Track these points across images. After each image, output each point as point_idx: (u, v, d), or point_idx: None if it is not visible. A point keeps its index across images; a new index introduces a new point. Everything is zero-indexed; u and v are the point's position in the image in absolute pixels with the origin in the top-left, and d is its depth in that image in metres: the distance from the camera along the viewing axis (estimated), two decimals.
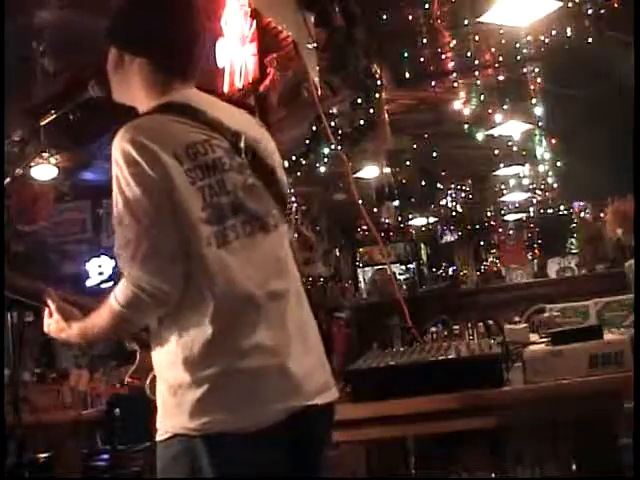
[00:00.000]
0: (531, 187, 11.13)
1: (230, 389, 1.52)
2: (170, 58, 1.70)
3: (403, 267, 12.44)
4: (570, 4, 5.34)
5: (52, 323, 1.74)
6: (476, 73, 6.91)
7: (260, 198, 1.66)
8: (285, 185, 1.78)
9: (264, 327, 1.57)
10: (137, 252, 1.51)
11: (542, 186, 10.75)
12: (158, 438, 1.58)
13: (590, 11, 5.55)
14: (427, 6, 5.52)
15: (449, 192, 12.12)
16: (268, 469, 1.53)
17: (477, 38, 6.08)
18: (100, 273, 8.60)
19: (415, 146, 9.14)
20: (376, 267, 11.20)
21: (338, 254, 11.92)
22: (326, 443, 1.72)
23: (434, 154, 9.72)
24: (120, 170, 1.53)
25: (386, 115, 6.82)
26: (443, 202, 12.29)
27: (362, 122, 6.61)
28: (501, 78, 7.04)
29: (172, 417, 1.55)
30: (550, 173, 9.67)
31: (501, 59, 6.60)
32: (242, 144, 1.67)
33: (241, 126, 1.71)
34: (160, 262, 1.51)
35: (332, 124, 6.22)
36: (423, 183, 10.79)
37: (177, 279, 1.52)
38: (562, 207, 11.03)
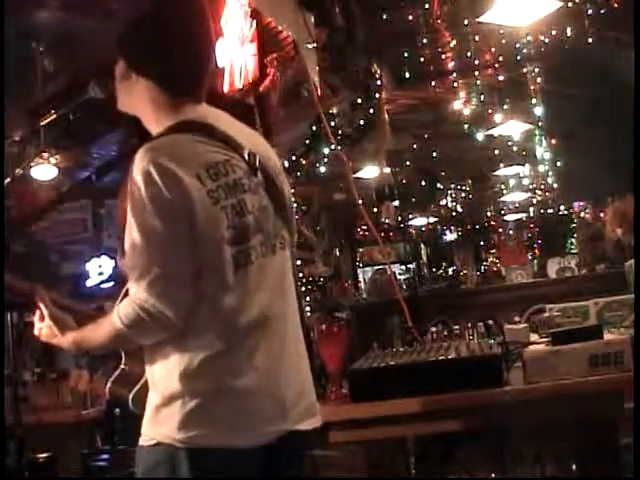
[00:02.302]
0: (531, 187, 11.13)
1: (222, 406, 1.53)
2: (178, 83, 1.67)
3: (403, 267, 12.41)
4: (570, 4, 5.34)
5: (44, 328, 1.73)
6: (476, 73, 6.91)
7: (271, 219, 1.66)
8: (291, 207, 1.78)
9: (264, 349, 1.58)
10: (145, 275, 1.50)
11: (542, 186, 10.75)
12: (142, 442, 1.59)
13: (590, 11, 5.55)
14: (427, 6, 5.52)
15: (449, 192, 12.12)
16: None
17: (477, 38, 6.08)
18: (100, 273, 8.59)
19: (415, 146, 9.14)
20: (376, 267, 11.19)
21: (338, 254, 11.91)
22: (304, 465, 1.73)
23: (434, 154, 9.72)
24: (138, 190, 1.51)
25: (386, 115, 6.82)
26: (443, 202, 12.29)
27: (362, 122, 6.61)
28: (501, 78, 7.03)
29: (159, 425, 1.56)
30: (550, 173, 9.68)
31: (501, 59, 6.59)
32: (257, 164, 1.66)
33: (253, 145, 1.70)
34: (167, 288, 1.51)
35: (332, 124, 6.22)
36: (423, 183, 10.79)
37: (182, 306, 1.52)
38: (562, 207, 11.03)
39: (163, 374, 1.57)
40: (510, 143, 8.89)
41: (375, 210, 9.12)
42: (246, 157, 1.64)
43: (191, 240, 1.51)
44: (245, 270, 1.57)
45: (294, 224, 1.79)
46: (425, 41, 6.04)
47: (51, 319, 1.71)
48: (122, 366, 1.76)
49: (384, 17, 5.60)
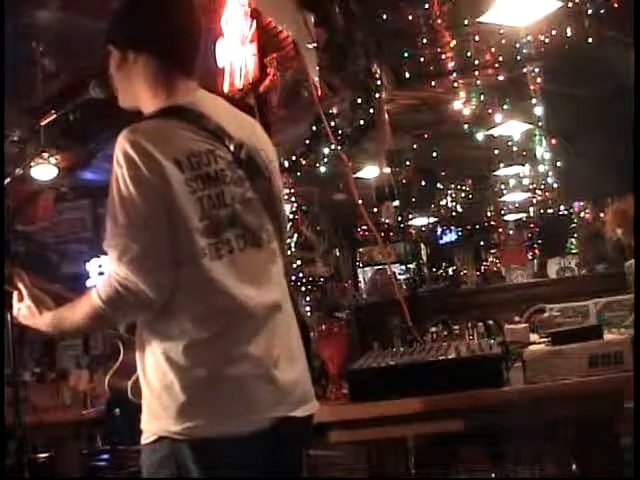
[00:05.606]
0: (531, 187, 11.14)
1: (215, 395, 1.53)
2: (172, 54, 1.70)
3: (403, 267, 12.41)
4: (570, 4, 5.35)
5: (22, 308, 1.73)
6: (476, 73, 6.91)
7: (256, 212, 1.67)
8: (281, 200, 1.79)
9: (252, 337, 1.58)
10: (127, 253, 1.51)
11: (542, 186, 10.75)
12: (144, 441, 1.59)
13: (590, 11, 5.55)
14: (427, 6, 5.52)
15: (449, 192, 12.13)
16: (249, 475, 1.55)
17: (477, 38, 6.08)
18: (100, 273, 8.60)
19: (415, 146, 9.15)
20: (376, 267, 11.18)
21: (338, 254, 11.91)
22: (303, 453, 1.74)
23: (434, 154, 9.73)
24: (120, 169, 1.53)
25: (386, 115, 6.82)
26: (443, 202, 12.30)
27: (362, 122, 6.61)
28: (501, 78, 7.03)
29: (157, 419, 1.56)
30: (550, 173, 9.67)
31: (501, 59, 6.60)
32: (244, 155, 1.67)
33: (244, 133, 1.71)
34: (148, 266, 1.52)
35: (332, 124, 6.22)
36: (423, 183, 10.79)
37: (163, 286, 1.53)
38: (562, 207, 11.03)
39: (153, 366, 1.58)
40: (510, 143, 8.90)
41: (375, 210, 9.13)
42: (232, 148, 1.65)
43: (168, 224, 1.53)
44: (220, 261, 1.57)
45: (284, 216, 1.79)
46: (425, 41, 6.05)
47: (30, 298, 1.71)
48: (120, 358, 1.77)
49: (384, 17, 5.61)
